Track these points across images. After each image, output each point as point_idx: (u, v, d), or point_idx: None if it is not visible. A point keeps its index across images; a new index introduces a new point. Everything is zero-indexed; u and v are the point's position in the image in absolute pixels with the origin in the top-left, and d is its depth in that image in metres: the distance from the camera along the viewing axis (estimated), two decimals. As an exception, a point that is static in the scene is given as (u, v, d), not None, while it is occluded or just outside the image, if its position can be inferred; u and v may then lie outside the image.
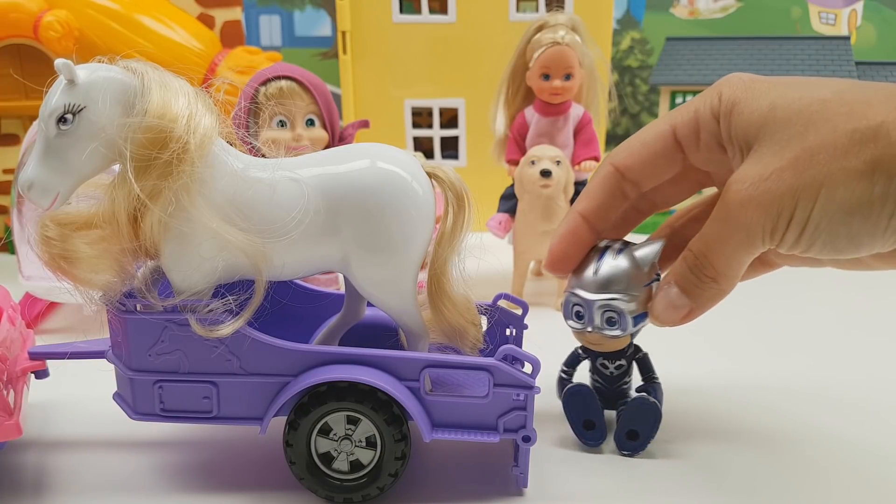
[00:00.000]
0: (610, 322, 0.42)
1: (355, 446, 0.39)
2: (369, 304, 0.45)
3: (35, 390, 0.48)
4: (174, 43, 0.87)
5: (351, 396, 0.38)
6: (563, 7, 0.92)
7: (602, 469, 0.43)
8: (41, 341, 0.47)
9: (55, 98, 0.34)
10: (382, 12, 0.93)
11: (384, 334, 0.45)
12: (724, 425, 0.48)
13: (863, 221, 0.33)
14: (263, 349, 0.39)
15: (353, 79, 0.95)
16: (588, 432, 0.45)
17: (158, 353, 0.39)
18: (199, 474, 0.43)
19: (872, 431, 0.47)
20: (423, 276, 0.41)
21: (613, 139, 1.19)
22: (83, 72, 0.35)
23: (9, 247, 0.82)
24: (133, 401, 0.40)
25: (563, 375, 0.48)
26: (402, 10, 0.94)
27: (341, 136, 0.67)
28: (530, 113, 0.73)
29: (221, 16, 0.94)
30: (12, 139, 0.89)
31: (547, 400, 0.48)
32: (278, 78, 0.63)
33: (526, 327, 0.47)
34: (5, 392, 0.39)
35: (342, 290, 0.49)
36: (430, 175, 0.39)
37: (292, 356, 0.39)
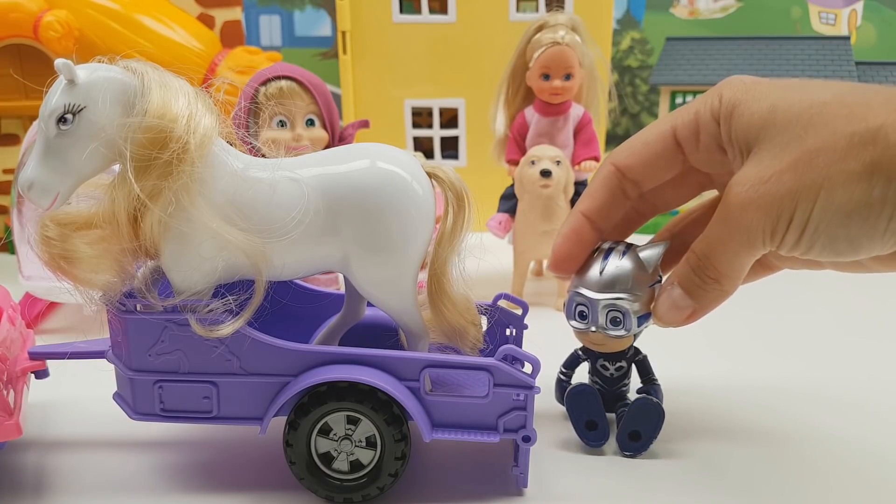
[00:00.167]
0: (614, 322, 0.42)
1: (355, 446, 0.39)
2: (369, 304, 0.45)
3: (35, 390, 0.48)
4: (174, 43, 0.87)
5: (351, 396, 0.38)
6: (563, 7, 0.92)
7: (602, 469, 0.43)
8: (41, 341, 0.47)
9: (55, 98, 0.34)
10: (382, 12, 0.93)
11: (384, 334, 0.45)
12: (724, 426, 0.48)
13: (861, 224, 0.33)
14: (263, 349, 0.39)
15: (353, 79, 0.95)
16: (590, 433, 0.44)
17: (158, 353, 0.39)
18: (199, 474, 0.43)
19: (873, 431, 0.47)
20: (423, 276, 0.41)
21: (613, 139, 1.20)
22: (83, 72, 0.35)
23: (9, 247, 0.82)
24: (133, 401, 0.40)
25: (562, 377, 0.48)
26: (402, 10, 0.94)
27: (341, 136, 0.67)
28: (530, 113, 0.73)
29: (221, 16, 0.94)
30: (12, 139, 0.89)
31: (547, 400, 0.48)
32: (278, 78, 0.63)
33: (526, 327, 0.47)
34: (5, 392, 0.39)
35: (342, 290, 0.49)
36: (430, 175, 0.39)
37: (292, 356, 0.39)
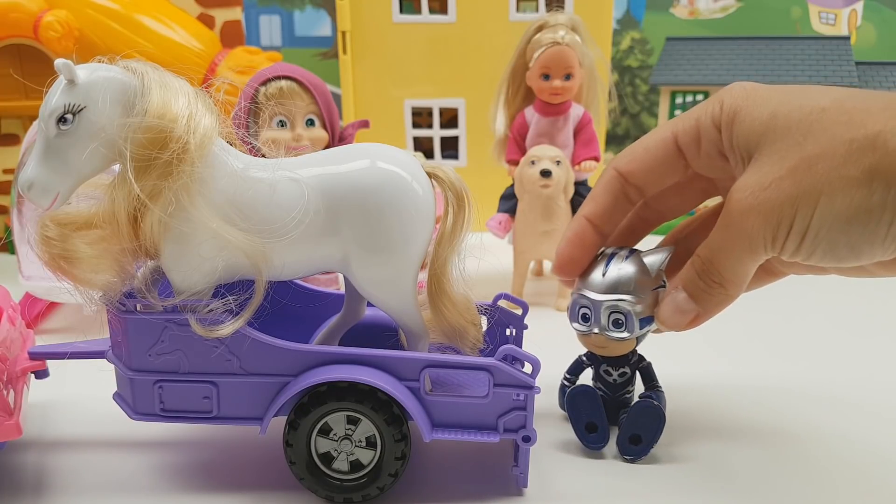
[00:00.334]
0: (616, 324, 0.42)
1: (355, 446, 0.39)
2: (369, 304, 0.45)
3: (35, 390, 0.48)
4: (174, 43, 0.87)
5: (351, 396, 0.38)
6: (563, 7, 0.92)
7: (602, 469, 0.43)
8: (41, 341, 0.47)
9: (55, 98, 0.34)
10: (382, 12, 0.93)
11: (384, 334, 0.45)
12: (725, 427, 0.48)
13: (861, 230, 0.33)
14: (263, 349, 0.39)
15: (353, 79, 0.95)
16: (590, 435, 0.44)
17: (158, 353, 0.39)
18: (199, 474, 0.43)
19: (875, 432, 0.47)
20: (423, 276, 0.41)
21: (613, 139, 1.20)
22: (83, 72, 0.35)
23: (9, 247, 0.82)
24: (133, 401, 0.40)
25: (566, 383, 0.48)
26: (402, 10, 0.94)
27: (341, 136, 0.67)
28: (530, 113, 0.73)
29: (221, 16, 0.94)
30: (12, 139, 0.89)
31: (547, 400, 0.48)
32: (278, 78, 0.63)
33: (526, 327, 0.47)
34: (5, 392, 0.39)
35: (342, 290, 0.49)
36: (430, 175, 0.40)
37: (292, 356, 0.39)
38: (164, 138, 0.35)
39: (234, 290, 0.39)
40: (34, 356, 0.45)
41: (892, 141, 0.32)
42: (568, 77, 0.69)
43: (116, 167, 0.36)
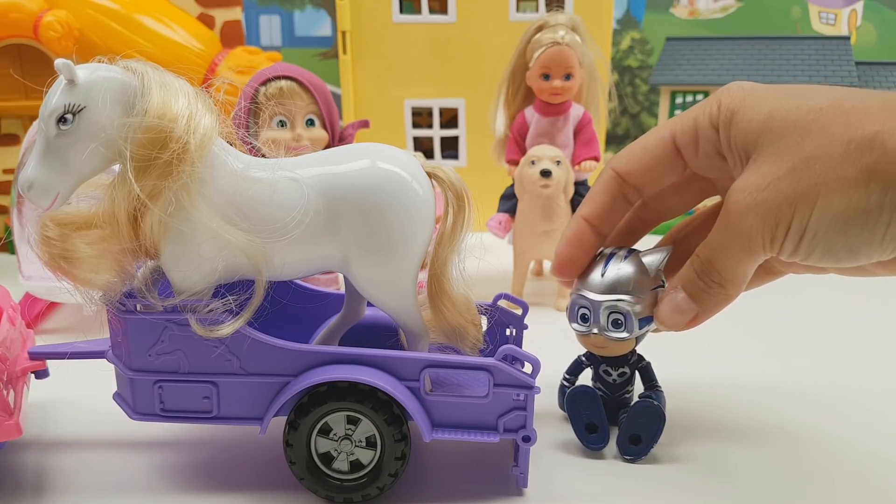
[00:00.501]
0: (615, 324, 0.42)
1: (355, 446, 0.39)
2: (369, 304, 0.45)
3: (35, 390, 0.48)
4: (174, 43, 0.87)
5: (351, 396, 0.38)
6: (563, 7, 0.92)
7: (602, 469, 0.43)
8: (41, 341, 0.47)
9: (55, 98, 0.34)
10: (382, 12, 0.93)
11: (384, 334, 0.45)
12: (725, 428, 0.48)
13: (859, 230, 0.33)
14: (263, 349, 0.39)
15: (353, 79, 0.95)
16: (590, 435, 0.44)
17: (158, 353, 0.39)
18: (199, 474, 0.43)
19: (875, 432, 0.47)
20: (423, 276, 0.41)
21: (613, 139, 1.20)
22: (83, 72, 0.35)
23: (9, 247, 0.82)
24: (133, 401, 0.40)
25: (565, 384, 0.48)
26: (402, 10, 0.94)
27: (341, 136, 0.67)
28: (530, 113, 0.73)
29: (221, 16, 0.94)
30: (12, 139, 0.89)
31: (547, 400, 0.48)
32: (278, 78, 0.63)
33: (526, 327, 0.47)
34: (5, 392, 0.39)
35: (342, 290, 0.49)
36: (430, 175, 0.40)
37: (292, 356, 0.39)
38: (164, 138, 0.35)
39: (234, 290, 0.39)
40: (34, 356, 0.45)
41: (889, 141, 0.32)
42: (568, 77, 0.69)
43: (116, 167, 0.36)
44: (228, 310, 0.38)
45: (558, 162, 0.67)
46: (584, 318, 0.43)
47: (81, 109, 0.35)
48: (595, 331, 0.42)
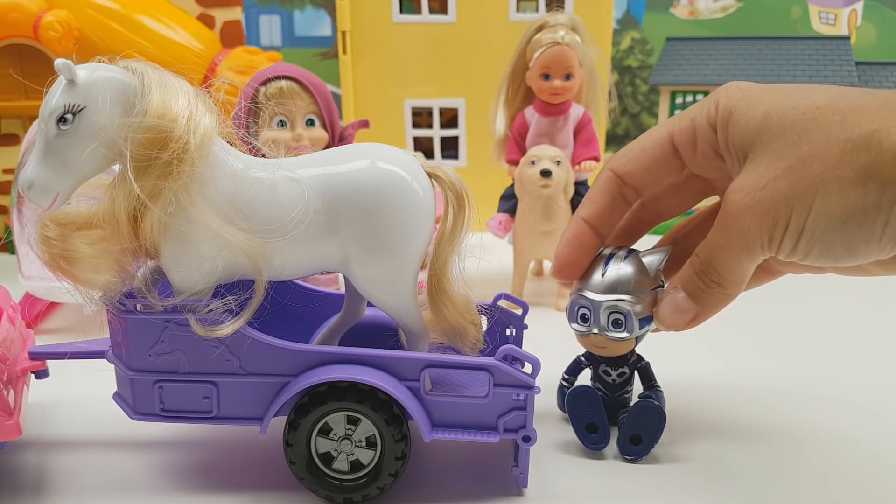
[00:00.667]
0: (616, 324, 0.42)
1: (355, 446, 0.39)
2: (369, 304, 0.45)
3: (35, 390, 0.48)
4: (174, 43, 0.87)
5: (351, 396, 0.38)
6: (563, 7, 0.92)
7: (602, 469, 0.43)
8: (41, 341, 0.47)
9: (55, 98, 0.34)
10: (382, 12, 0.93)
11: (384, 334, 0.45)
12: (725, 428, 0.48)
13: (857, 230, 0.33)
14: (263, 349, 0.39)
15: (353, 79, 0.95)
16: (591, 436, 0.44)
17: (158, 353, 0.39)
18: (199, 474, 0.43)
19: (876, 432, 0.47)
20: (423, 276, 0.41)
21: (613, 139, 1.20)
22: (83, 72, 0.35)
23: (9, 247, 0.82)
24: (133, 401, 0.40)
25: (564, 384, 0.48)
26: (402, 10, 0.94)
27: (341, 136, 0.67)
28: (530, 113, 0.73)
29: (221, 16, 0.94)
30: (12, 139, 0.89)
31: (547, 401, 0.48)
32: (278, 78, 0.63)
33: (526, 327, 0.47)
34: (5, 392, 0.39)
35: (342, 290, 0.49)
36: (430, 175, 0.39)
37: (292, 356, 0.39)
38: (164, 138, 0.35)
39: (234, 290, 0.39)
40: (34, 356, 0.45)
41: (886, 140, 0.32)
42: (568, 77, 0.69)
43: (116, 167, 0.36)
44: (228, 310, 0.38)
45: (558, 162, 0.67)
46: (585, 318, 0.43)
47: (81, 109, 0.35)
48: (595, 331, 0.42)
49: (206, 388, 0.39)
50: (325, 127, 0.64)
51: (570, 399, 0.45)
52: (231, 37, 0.94)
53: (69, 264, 0.37)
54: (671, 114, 1.11)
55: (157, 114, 0.35)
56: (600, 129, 0.77)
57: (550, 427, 0.47)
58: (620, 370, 0.45)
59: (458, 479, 0.42)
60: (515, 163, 0.71)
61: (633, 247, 0.44)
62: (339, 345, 0.45)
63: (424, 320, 0.41)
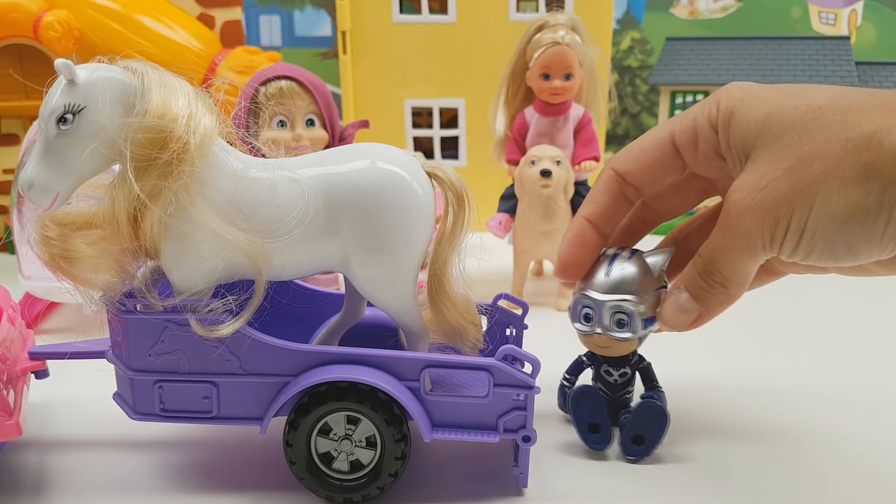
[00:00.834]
0: (619, 324, 0.42)
1: (355, 446, 0.39)
2: (369, 304, 0.45)
3: (35, 390, 0.48)
4: (174, 43, 0.87)
5: (351, 396, 0.38)
6: (563, 7, 0.92)
7: (603, 469, 0.43)
8: (41, 341, 0.47)
9: (55, 98, 0.34)
10: (382, 12, 0.93)
11: (384, 334, 0.45)
12: (726, 428, 0.48)
13: (858, 230, 0.33)
14: (263, 349, 0.39)
15: (353, 79, 0.95)
16: (593, 435, 0.44)
17: (158, 353, 0.39)
18: (199, 474, 0.43)
19: (876, 432, 0.47)
20: (423, 276, 0.41)
21: (613, 139, 1.20)
22: (83, 72, 0.35)
23: (9, 247, 0.82)
24: (133, 401, 0.40)
25: (565, 383, 0.48)
26: (402, 10, 0.94)
27: (341, 136, 0.67)
28: (530, 113, 0.73)
29: (221, 16, 0.94)
30: (12, 139, 0.89)
31: (548, 401, 0.48)
32: (278, 78, 0.63)
33: (526, 327, 0.47)
34: (5, 392, 0.39)
35: (342, 290, 0.49)
36: (430, 175, 0.39)
37: (292, 356, 0.39)
38: (164, 138, 0.35)
39: (234, 290, 0.39)
40: (34, 356, 0.45)
41: (887, 140, 0.32)
42: (568, 77, 0.69)
43: (116, 167, 0.36)
44: (228, 310, 0.38)
45: (558, 162, 0.67)
46: (588, 318, 0.43)
47: (81, 109, 0.35)
48: (599, 330, 0.42)
49: (206, 388, 0.39)
50: (325, 127, 0.64)
51: (574, 399, 0.45)
52: (231, 37, 0.94)
53: (69, 264, 0.37)
54: (671, 114, 1.11)
55: (157, 114, 0.35)
56: (600, 129, 0.77)
57: (550, 427, 0.47)
58: (622, 370, 0.45)
59: (458, 479, 0.42)
60: (515, 163, 0.71)
61: (635, 247, 0.44)
62: (339, 345, 0.45)
63: (424, 320, 0.41)
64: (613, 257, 0.43)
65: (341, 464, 0.40)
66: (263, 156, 0.41)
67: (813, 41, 1.08)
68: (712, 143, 0.38)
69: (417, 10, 0.95)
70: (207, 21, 0.94)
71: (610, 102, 0.79)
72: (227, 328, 0.38)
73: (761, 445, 0.46)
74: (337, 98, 0.80)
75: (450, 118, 1.00)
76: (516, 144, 0.74)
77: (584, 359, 0.47)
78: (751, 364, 0.58)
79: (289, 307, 0.42)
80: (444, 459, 0.44)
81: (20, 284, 0.63)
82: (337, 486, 0.40)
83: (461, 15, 0.94)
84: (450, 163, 0.99)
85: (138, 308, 0.39)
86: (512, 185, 0.72)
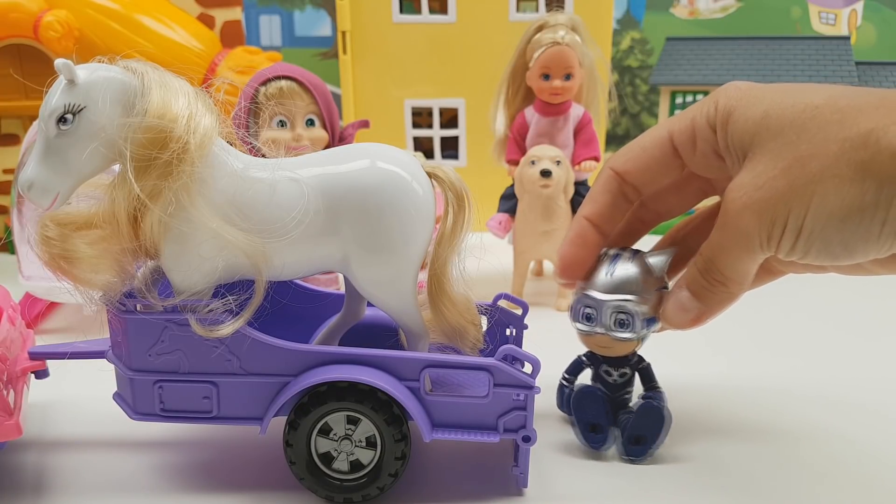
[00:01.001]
0: (621, 324, 0.42)
1: (355, 446, 0.39)
2: (369, 304, 0.45)
3: (35, 390, 0.48)
4: (174, 43, 0.87)
5: (351, 396, 0.38)
6: (563, 7, 0.92)
7: (603, 469, 0.43)
8: (41, 341, 0.47)
9: (55, 98, 0.34)
10: (382, 12, 0.93)
11: (384, 334, 0.45)
12: (726, 428, 0.48)
13: (855, 228, 0.33)
14: (263, 349, 0.39)
15: (353, 79, 0.95)
16: (593, 436, 0.44)
17: (158, 353, 0.39)
18: (199, 474, 0.43)
19: (875, 432, 0.47)
20: (423, 276, 0.41)
21: (613, 139, 1.20)
22: (83, 72, 0.35)
23: (9, 247, 0.82)
24: (133, 401, 0.40)
25: (564, 383, 0.48)
26: (402, 10, 0.94)
27: (341, 136, 0.67)
28: (530, 113, 0.73)
29: (221, 16, 0.94)
30: (12, 139, 0.89)
31: (547, 401, 0.48)
32: (278, 78, 0.63)
33: (526, 327, 0.47)
34: (5, 392, 0.39)
35: (342, 290, 0.49)
36: (430, 175, 0.40)
37: (292, 356, 0.39)
38: (164, 138, 0.35)
39: (234, 290, 0.39)
40: (34, 356, 0.45)
41: (884, 139, 0.32)
42: (568, 77, 0.69)
43: (116, 167, 0.36)
44: (228, 310, 0.38)
45: (558, 162, 0.67)
46: (589, 318, 0.43)
47: (81, 109, 0.35)
48: (600, 330, 0.42)
49: (206, 388, 0.39)
50: (325, 127, 0.64)
51: (575, 399, 0.44)
52: (231, 37, 0.94)
53: (69, 264, 0.37)
54: (671, 114, 1.11)
55: (157, 114, 0.35)
56: (600, 129, 0.77)
57: (550, 427, 0.47)
58: (622, 371, 0.45)
59: (458, 479, 0.42)
60: (515, 163, 0.71)
61: (636, 247, 0.44)
62: (339, 345, 0.45)
63: (424, 320, 0.41)
64: (615, 257, 0.43)
65: (341, 464, 0.40)
66: (263, 156, 0.41)
67: (813, 41, 1.08)
68: (710, 143, 0.38)
69: (417, 10, 0.95)
70: (207, 21, 0.94)
71: (610, 102, 0.79)
72: (227, 328, 0.38)
73: (761, 445, 0.46)
74: (337, 98, 0.80)
75: (450, 118, 1.00)
76: (516, 144, 0.74)
77: (584, 359, 0.47)
78: (751, 364, 0.58)
79: (289, 307, 0.42)
80: (444, 459, 0.44)
81: (20, 284, 0.63)
82: (337, 486, 0.40)
83: (461, 15, 0.94)
84: (450, 163, 0.99)
85: (138, 308, 0.39)
86: (512, 185, 0.72)
